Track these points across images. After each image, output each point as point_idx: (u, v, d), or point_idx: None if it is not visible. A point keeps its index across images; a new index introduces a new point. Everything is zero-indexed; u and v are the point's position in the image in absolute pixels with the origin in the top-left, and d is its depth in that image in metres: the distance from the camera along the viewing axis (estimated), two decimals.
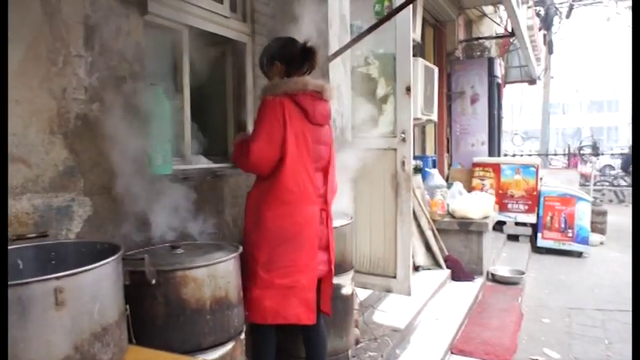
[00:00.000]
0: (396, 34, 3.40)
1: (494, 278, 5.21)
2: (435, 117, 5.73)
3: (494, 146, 7.95)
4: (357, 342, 2.92)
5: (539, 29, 12.43)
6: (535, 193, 6.78)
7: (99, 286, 1.22)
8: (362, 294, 3.44)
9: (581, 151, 12.82)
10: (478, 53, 8.59)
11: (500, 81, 8.44)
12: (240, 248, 1.86)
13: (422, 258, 4.87)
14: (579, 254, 6.46)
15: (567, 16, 13.99)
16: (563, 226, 6.55)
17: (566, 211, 6.54)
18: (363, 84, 3.65)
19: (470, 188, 6.62)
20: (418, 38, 5.83)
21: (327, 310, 2.26)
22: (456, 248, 5.19)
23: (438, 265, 4.92)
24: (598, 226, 7.37)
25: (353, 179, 3.18)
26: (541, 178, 7.18)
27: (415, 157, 5.00)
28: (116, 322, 1.29)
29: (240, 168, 2.16)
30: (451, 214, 5.37)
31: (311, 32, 2.74)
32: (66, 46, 1.79)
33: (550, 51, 14.13)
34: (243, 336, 1.81)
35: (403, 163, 3.42)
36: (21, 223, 1.63)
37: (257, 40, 3.00)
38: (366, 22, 3.47)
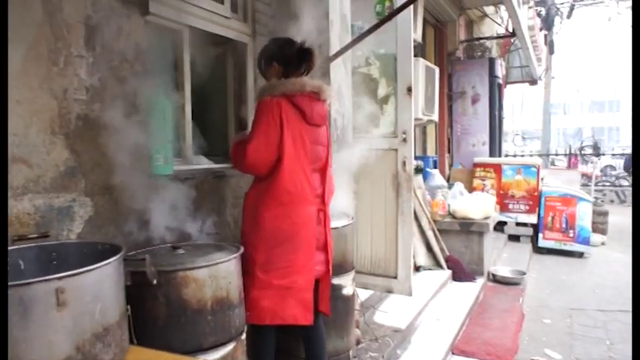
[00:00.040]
0: (397, 34, 3.40)
1: (495, 279, 5.20)
2: (435, 117, 5.72)
3: (495, 146, 7.94)
4: (358, 342, 2.92)
5: (540, 29, 12.43)
6: (536, 193, 6.77)
7: (100, 287, 1.22)
8: (363, 294, 3.44)
9: (583, 152, 12.81)
10: (479, 53, 8.59)
11: (501, 81, 8.44)
12: (242, 249, 1.86)
13: (423, 258, 4.87)
14: (580, 255, 6.46)
15: (568, 16, 13.98)
16: (564, 226, 6.55)
17: (568, 211, 6.53)
18: (364, 84, 3.65)
19: (471, 188, 6.61)
20: (419, 38, 5.83)
21: (325, 310, 2.26)
22: (457, 248, 5.18)
23: (439, 265, 4.91)
24: (599, 227, 7.36)
25: (354, 179, 3.17)
26: (542, 179, 7.17)
27: (416, 158, 5.01)
28: (117, 323, 1.29)
29: (237, 169, 2.16)
30: (452, 215, 5.37)
31: (312, 33, 2.74)
32: (67, 46, 1.79)
33: (551, 51, 14.13)
34: (244, 336, 1.81)
35: (404, 164, 3.42)
36: (22, 223, 1.63)
37: (258, 41, 3.00)
38: (367, 23, 3.47)
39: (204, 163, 2.73)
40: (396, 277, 3.48)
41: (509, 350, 3.46)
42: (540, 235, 6.67)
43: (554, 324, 4.11)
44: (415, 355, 3.17)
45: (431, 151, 7.55)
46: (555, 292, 5.00)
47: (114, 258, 1.28)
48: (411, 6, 2.97)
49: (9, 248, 1.45)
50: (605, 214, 7.62)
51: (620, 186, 12.73)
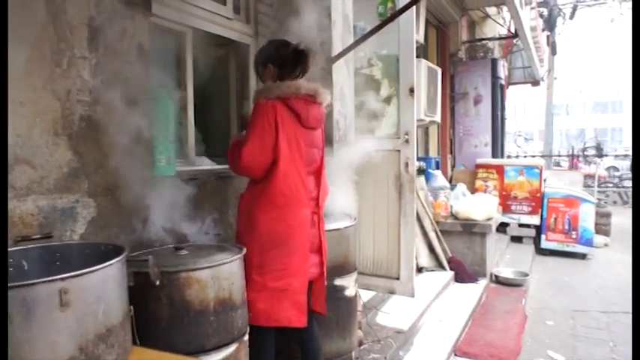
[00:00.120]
0: (400, 35, 3.40)
1: (497, 280, 5.19)
2: (438, 118, 5.72)
3: (497, 147, 7.93)
4: (361, 343, 2.91)
5: (543, 30, 12.41)
6: (539, 194, 6.76)
7: (103, 287, 1.22)
8: (365, 295, 3.44)
9: (585, 153, 12.78)
10: (481, 54, 8.57)
11: (503, 82, 8.43)
12: (244, 250, 1.86)
13: (425, 259, 4.86)
14: (583, 256, 6.44)
15: (571, 17, 13.96)
16: (567, 227, 6.53)
17: (570, 212, 6.52)
18: (366, 85, 3.65)
19: (473, 189, 6.61)
20: (421, 39, 5.83)
21: (321, 310, 2.27)
22: (460, 250, 5.17)
23: (441, 266, 4.91)
24: (602, 228, 7.34)
25: (356, 180, 3.17)
26: (545, 180, 7.15)
27: (418, 159, 4.99)
28: (120, 324, 1.29)
29: (232, 171, 2.16)
30: (454, 216, 5.36)
31: (314, 34, 2.75)
32: (70, 48, 1.79)
33: (553, 52, 14.10)
34: (246, 337, 1.81)
35: (407, 165, 3.42)
36: (26, 224, 1.64)
37: (260, 42, 3.00)
38: (369, 24, 3.47)
39: (207, 164, 2.73)
40: (398, 279, 3.48)
41: (512, 352, 3.45)
42: (543, 237, 6.65)
43: (556, 325, 4.10)
44: (418, 356, 3.16)
45: (433, 152, 7.54)
46: (558, 294, 4.98)
47: (117, 259, 1.28)
48: (414, 7, 2.97)
49: (13, 249, 1.45)
50: (608, 215, 7.60)
51: (624, 187, 12.69)
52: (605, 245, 7.16)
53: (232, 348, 1.71)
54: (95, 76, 1.88)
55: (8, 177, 1.59)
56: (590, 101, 35.91)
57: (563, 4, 14.07)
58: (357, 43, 2.89)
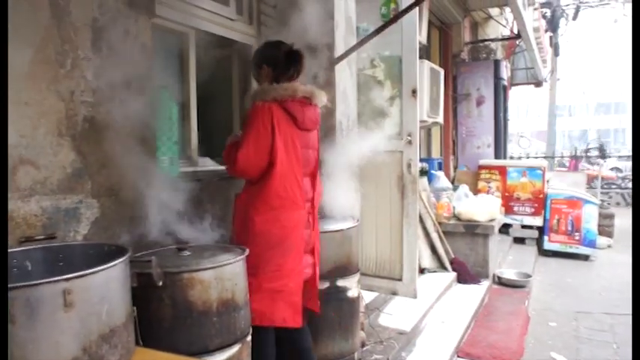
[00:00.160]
0: (402, 36, 3.40)
1: (500, 281, 5.18)
2: (440, 119, 5.72)
3: (500, 148, 7.92)
4: (363, 345, 2.91)
5: (546, 31, 12.40)
6: (541, 195, 6.74)
7: (107, 288, 1.23)
8: (368, 296, 3.44)
9: (588, 154, 12.75)
10: (484, 55, 8.56)
11: (506, 83, 8.41)
12: (247, 250, 1.86)
13: (428, 260, 4.85)
14: (586, 257, 6.42)
15: (574, 18, 13.94)
16: (570, 228, 6.51)
17: (573, 213, 6.50)
18: (369, 86, 3.65)
19: (476, 191, 6.60)
20: (424, 40, 5.83)
21: (315, 308, 2.27)
22: (462, 251, 5.17)
23: (443, 267, 4.90)
24: (605, 229, 7.31)
25: (359, 181, 3.17)
26: (548, 181, 7.14)
27: (421, 160, 5.00)
28: (124, 324, 1.29)
29: (228, 173, 2.16)
30: (457, 217, 5.35)
31: (317, 34, 2.75)
32: (74, 49, 1.80)
33: (556, 53, 14.08)
34: (249, 338, 1.81)
35: (409, 166, 3.41)
36: (29, 225, 1.64)
37: None
38: (372, 25, 3.47)
39: (210, 165, 2.74)
40: (400, 280, 3.48)
41: (515, 353, 3.44)
42: (546, 238, 6.64)
43: (559, 327, 4.09)
44: (420, 357, 3.15)
45: (436, 153, 7.54)
46: (561, 295, 4.97)
47: (120, 259, 1.29)
48: (417, 8, 2.97)
49: (16, 249, 1.45)
50: (612, 216, 7.57)
51: (627, 188, 12.65)
52: (609, 247, 7.13)
53: (235, 349, 1.71)
54: (99, 77, 1.89)
55: (12, 178, 1.59)
56: (592, 102, 35.85)
57: (566, 5, 14.05)
58: (360, 44, 2.89)
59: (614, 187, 13.08)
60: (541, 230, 6.74)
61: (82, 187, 1.83)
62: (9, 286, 1.05)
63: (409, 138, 3.39)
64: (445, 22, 7.34)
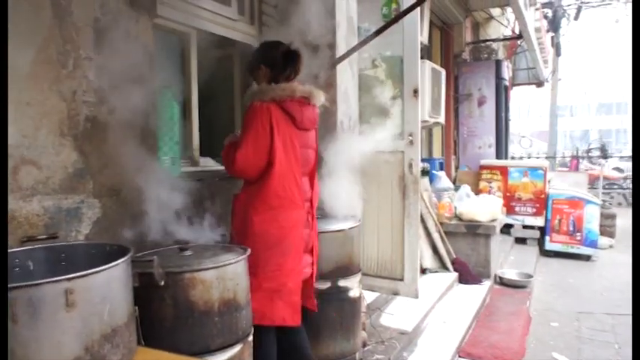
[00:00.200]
0: (404, 36, 3.40)
1: (501, 281, 5.17)
2: (442, 119, 5.72)
3: (501, 149, 7.91)
4: (365, 345, 2.91)
5: (547, 31, 12.39)
6: (543, 195, 6.73)
7: (109, 288, 1.23)
8: (369, 296, 3.44)
9: (590, 154, 12.74)
10: (485, 55, 8.56)
11: (507, 83, 8.40)
12: (249, 250, 1.86)
13: (429, 261, 4.85)
14: (588, 257, 6.41)
15: (575, 18, 13.91)
16: (571, 229, 6.50)
17: (575, 214, 6.49)
18: (370, 86, 3.65)
19: (477, 191, 6.59)
20: (425, 41, 5.82)
21: (312, 307, 2.28)
22: (464, 251, 5.16)
23: (445, 267, 4.89)
24: (607, 230, 7.31)
25: (360, 182, 3.17)
26: (549, 181, 7.13)
27: (422, 160, 4.99)
28: (125, 324, 1.29)
29: (227, 173, 2.16)
30: (458, 217, 5.35)
31: (318, 34, 2.75)
32: (76, 49, 1.80)
33: (558, 53, 14.06)
34: (251, 338, 1.81)
35: (411, 166, 3.41)
36: (31, 224, 1.64)
37: None
38: (373, 25, 3.47)
39: (211, 165, 2.74)
40: (402, 280, 3.48)
41: (516, 353, 3.44)
42: (547, 238, 6.63)
43: (561, 327, 4.08)
44: (422, 357, 3.15)
45: (437, 154, 7.53)
46: (562, 295, 4.96)
47: (122, 259, 1.29)
48: (418, 8, 2.97)
49: (18, 249, 1.46)
50: (613, 216, 7.56)
51: (629, 188, 12.63)
52: (610, 247, 7.12)
53: (237, 349, 1.71)
54: (100, 77, 1.89)
55: (14, 178, 1.60)
56: (594, 102, 35.80)
57: (568, 5, 14.03)
58: (361, 44, 2.89)
59: (615, 187, 13.06)
60: (542, 230, 6.73)
61: (83, 187, 1.83)
62: (11, 285, 1.06)
63: (410, 138, 3.39)
64: (446, 22, 7.34)
